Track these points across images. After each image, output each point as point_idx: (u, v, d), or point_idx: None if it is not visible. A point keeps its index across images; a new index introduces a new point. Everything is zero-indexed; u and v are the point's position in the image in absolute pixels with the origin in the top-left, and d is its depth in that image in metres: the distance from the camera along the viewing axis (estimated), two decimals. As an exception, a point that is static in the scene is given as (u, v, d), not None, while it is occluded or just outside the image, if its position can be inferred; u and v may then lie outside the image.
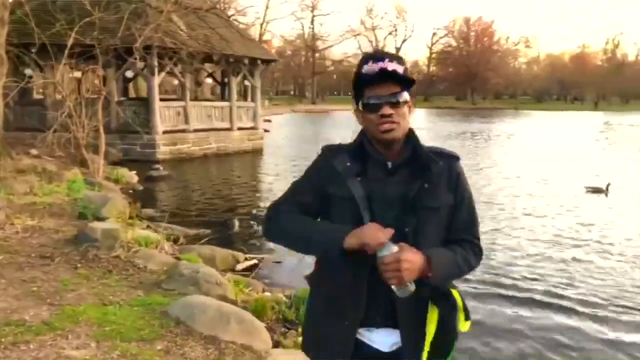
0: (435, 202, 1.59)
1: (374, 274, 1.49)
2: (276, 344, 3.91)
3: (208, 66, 19.93)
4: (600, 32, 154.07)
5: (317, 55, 78.39)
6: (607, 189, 11.08)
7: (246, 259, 6.19)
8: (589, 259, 6.75)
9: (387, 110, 1.54)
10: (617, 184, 11.39)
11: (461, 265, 1.61)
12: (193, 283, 4.50)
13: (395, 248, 1.45)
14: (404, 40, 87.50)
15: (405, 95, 1.56)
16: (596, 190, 11.18)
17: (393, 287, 1.47)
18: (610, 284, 5.86)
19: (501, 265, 6.36)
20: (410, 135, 1.63)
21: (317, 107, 65.56)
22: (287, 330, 4.31)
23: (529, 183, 12.33)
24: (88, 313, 3.72)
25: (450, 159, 1.66)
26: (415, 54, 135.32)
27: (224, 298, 4.38)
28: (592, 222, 8.72)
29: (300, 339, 4.11)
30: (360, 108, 1.60)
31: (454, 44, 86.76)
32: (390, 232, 1.46)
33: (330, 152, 1.67)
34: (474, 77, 77.00)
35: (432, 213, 1.59)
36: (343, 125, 38.73)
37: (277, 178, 13.57)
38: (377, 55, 1.59)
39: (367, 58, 1.58)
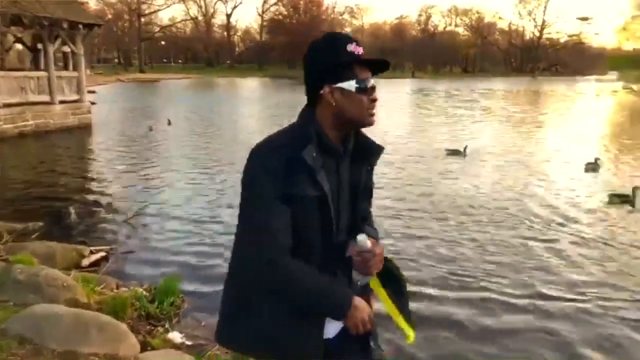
0: (371, 181, 1.67)
1: (335, 273, 1.57)
2: (144, 345, 3.57)
3: (15, 30, 17.27)
4: (415, 3, 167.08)
5: (143, 20, 73.20)
6: (464, 150, 12.12)
7: (92, 253, 5.52)
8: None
9: (376, 94, 1.54)
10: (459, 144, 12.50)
11: None
12: (34, 289, 3.88)
13: (369, 243, 1.50)
14: (234, 7, 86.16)
15: None
16: (455, 153, 12.13)
17: (358, 278, 1.56)
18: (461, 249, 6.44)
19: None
20: None
21: (146, 75, 61.56)
22: (152, 327, 3.97)
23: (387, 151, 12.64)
24: None
25: None
26: (247, 21, 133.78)
27: (74, 302, 3.86)
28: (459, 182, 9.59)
29: (170, 334, 3.87)
30: (353, 89, 1.50)
31: (285, 12, 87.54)
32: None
33: (293, 144, 1.47)
34: (306, 46, 78.40)
35: (370, 193, 1.68)
36: (177, 94, 37.11)
37: (110, 157, 12.42)
38: (354, 38, 1.54)
39: (347, 38, 1.53)
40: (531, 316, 4.49)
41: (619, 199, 7.99)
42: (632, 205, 7.79)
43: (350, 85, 1.50)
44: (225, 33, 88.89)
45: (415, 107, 28.37)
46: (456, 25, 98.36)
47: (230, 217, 7.17)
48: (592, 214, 7.57)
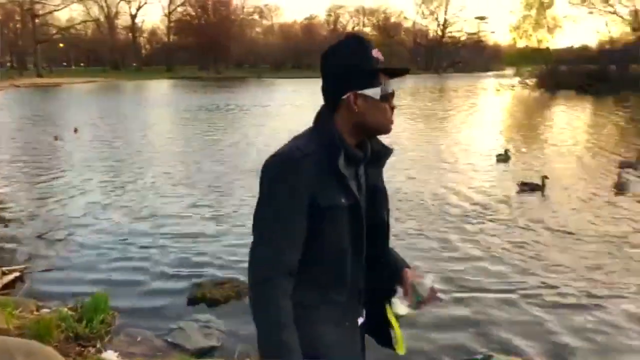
0: (383, 183, 1.64)
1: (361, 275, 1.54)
2: (76, 369, 3.33)
3: None
4: (324, 3, 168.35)
5: (37, 21, 68.37)
6: None
7: (4, 274, 5.05)
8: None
9: (394, 101, 1.53)
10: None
11: None
12: (-58, 320, 3.49)
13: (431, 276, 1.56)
14: (139, 7, 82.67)
15: None
16: None
17: (401, 310, 1.52)
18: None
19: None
20: None
21: (45, 80, 57.61)
22: (83, 348, 3.72)
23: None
24: None
25: None
26: (153, 21, 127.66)
27: (-8, 330, 3.51)
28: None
29: (104, 354, 3.63)
30: (377, 97, 1.46)
31: (192, 12, 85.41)
32: None
33: (322, 151, 1.41)
34: (216, 47, 77.38)
35: (387, 197, 1.64)
36: (82, 100, 35.02)
37: (12, 170, 11.38)
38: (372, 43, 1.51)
39: (370, 43, 1.49)
40: (455, 307, 4.60)
41: (529, 187, 8.57)
42: (542, 192, 8.40)
43: (375, 92, 1.46)
44: (131, 34, 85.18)
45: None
46: (364, 25, 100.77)
47: (150, 229, 6.87)
48: (506, 202, 8.07)
